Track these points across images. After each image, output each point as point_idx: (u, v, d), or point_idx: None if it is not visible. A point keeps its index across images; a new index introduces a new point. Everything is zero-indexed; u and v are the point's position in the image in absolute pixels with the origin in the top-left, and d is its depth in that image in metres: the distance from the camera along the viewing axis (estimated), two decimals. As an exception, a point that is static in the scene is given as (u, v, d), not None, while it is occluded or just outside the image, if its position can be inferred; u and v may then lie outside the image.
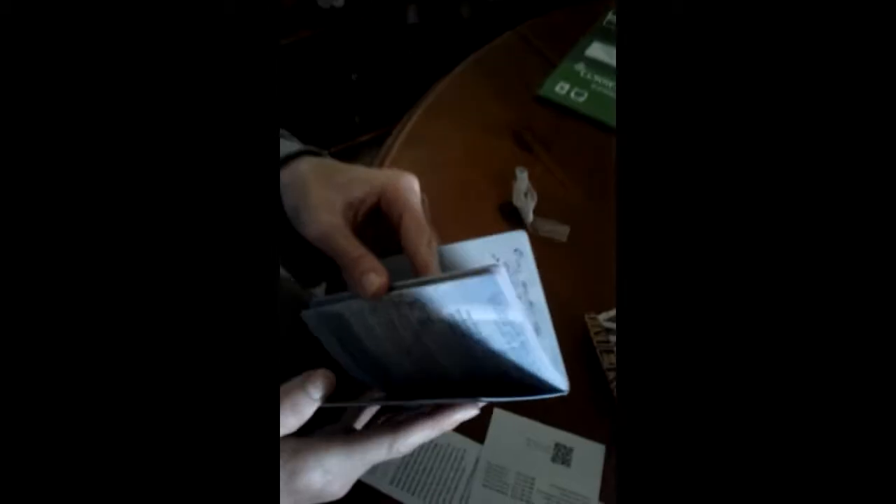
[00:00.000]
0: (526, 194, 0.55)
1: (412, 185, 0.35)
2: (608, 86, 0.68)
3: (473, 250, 0.33)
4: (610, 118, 0.66)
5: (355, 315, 0.33)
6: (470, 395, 0.31)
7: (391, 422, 0.32)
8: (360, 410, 0.37)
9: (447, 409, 0.32)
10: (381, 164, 0.63)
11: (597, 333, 0.50)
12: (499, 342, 0.29)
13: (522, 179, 0.55)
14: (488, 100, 0.69)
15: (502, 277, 0.26)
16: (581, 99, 0.67)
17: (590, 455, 0.47)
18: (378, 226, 0.36)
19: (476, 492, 0.45)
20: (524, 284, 0.33)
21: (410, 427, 0.31)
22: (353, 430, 0.32)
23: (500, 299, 0.26)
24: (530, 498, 0.45)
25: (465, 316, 0.28)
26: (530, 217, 0.56)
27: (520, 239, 0.32)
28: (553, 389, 0.30)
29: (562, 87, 0.68)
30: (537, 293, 0.33)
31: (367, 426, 0.35)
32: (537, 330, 0.33)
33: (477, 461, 0.47)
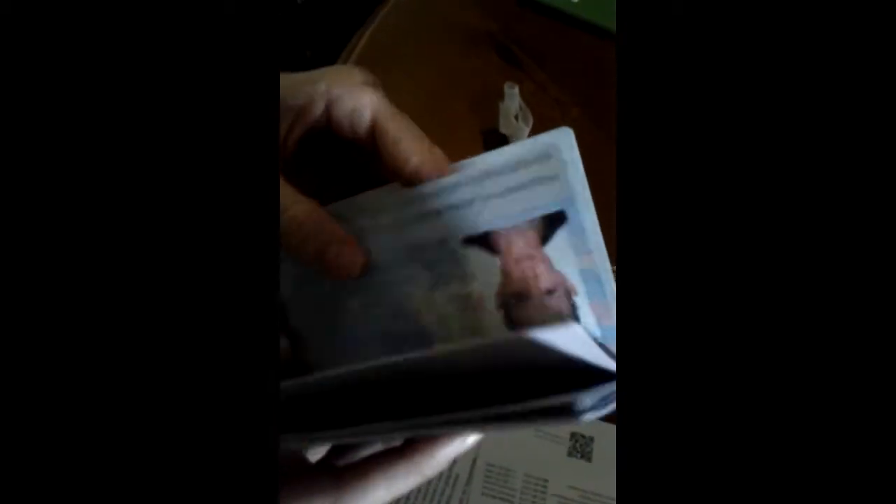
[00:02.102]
0: (517, 116, 0.43)
1: (377, 85, 0.24)
2: (607, -17, 0.56)
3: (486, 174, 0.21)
4: (611, 22, 0.53)
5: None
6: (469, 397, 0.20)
7: (334, 469, 0.20)
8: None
9: (426, 442, 0.20)
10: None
11: (617, 290, 0.39)
12: None
13: (512, 97, 0.42)
14: (462, 6, 0.56)
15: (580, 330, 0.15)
16: (575, -1, 0.55)
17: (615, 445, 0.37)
18: (327, 158, 0.24)
19: (476, 502, 0.35)
20: None
21: (365, 477, 0.20)
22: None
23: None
24: (544, 505, 0.35)
25: None
26: (524, 146, 0.44)
27: (561, 143, 0.20)
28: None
29: (551, -14, 0.56)
30: (589, 222, 0.21)
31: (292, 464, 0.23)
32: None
33: (473, 463, 0.36)
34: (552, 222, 0.20)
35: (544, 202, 0.20)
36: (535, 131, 0.46)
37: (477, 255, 0.21)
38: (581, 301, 0.20)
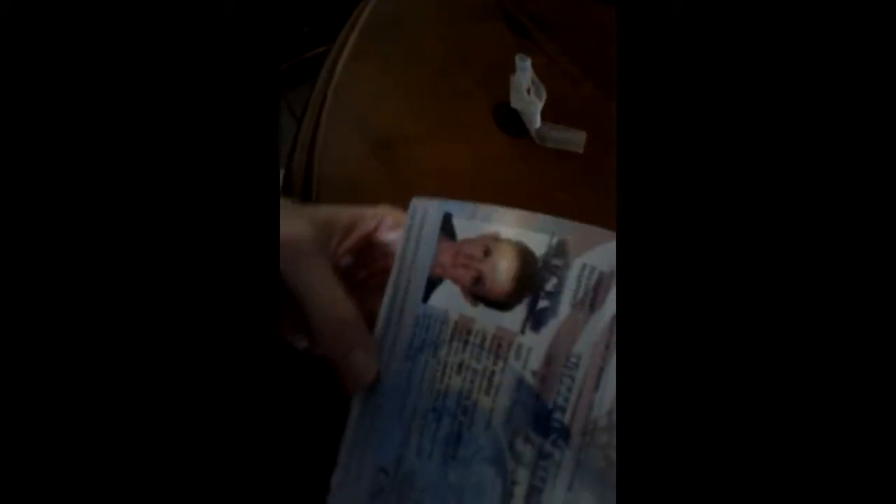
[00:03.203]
0: (529, 90, 0.41)
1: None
2: (620, -50, 0.53)
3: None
4: (625, -9, 0.51)
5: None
6: None
7: None
8: None
9: None
10: (333, 66, 0.48)
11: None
12: None
13: (524, 70, 0.40)
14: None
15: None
16: (587, -33, 0.52)
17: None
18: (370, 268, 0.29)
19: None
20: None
21: None
22: None
23: None
24: None
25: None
26: (537, 122, 0.42)
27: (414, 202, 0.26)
28: None
29: (561, -46, 0.53)
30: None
31: None
32: None
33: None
34: (447, 224, 0.25)
35: (433, 221, 0.25)
36: (547, 107, 0.44)
37: (437, 296, 0.25)
38: (503, 229, 0.24)
